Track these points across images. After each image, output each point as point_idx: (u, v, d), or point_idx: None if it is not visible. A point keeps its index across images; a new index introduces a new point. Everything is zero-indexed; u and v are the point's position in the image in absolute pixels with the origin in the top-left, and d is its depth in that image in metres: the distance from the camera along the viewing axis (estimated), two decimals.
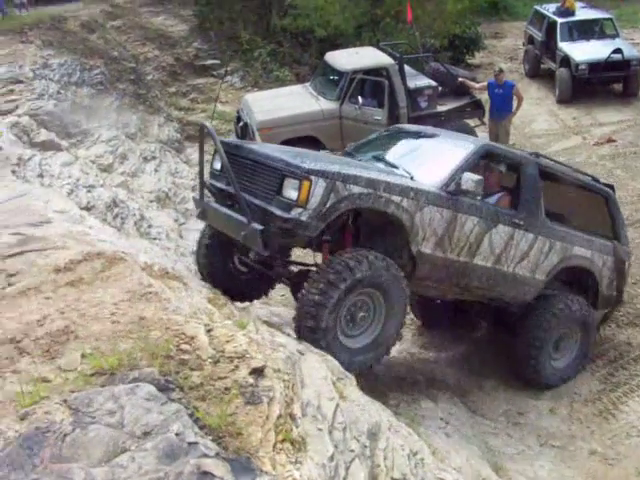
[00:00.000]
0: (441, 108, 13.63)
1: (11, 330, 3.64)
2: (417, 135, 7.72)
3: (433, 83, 13.87)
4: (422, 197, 5.97)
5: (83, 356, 3.38)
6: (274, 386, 3.43)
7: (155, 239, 9.52)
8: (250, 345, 3.70)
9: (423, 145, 7.45)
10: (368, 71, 13.25)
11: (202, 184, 6.25)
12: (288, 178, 5.32)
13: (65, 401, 2.94)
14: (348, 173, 5.47)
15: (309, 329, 5.27)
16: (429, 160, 6.83)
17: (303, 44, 19.00)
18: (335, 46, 16.85)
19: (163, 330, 3.65)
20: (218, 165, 6.23)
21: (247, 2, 19.22)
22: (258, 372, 3.47)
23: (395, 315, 5.75)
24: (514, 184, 7.30)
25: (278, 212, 5.27)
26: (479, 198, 6.52)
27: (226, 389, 3.29)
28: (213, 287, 6.34)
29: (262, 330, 4.59)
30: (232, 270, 6.72)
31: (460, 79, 14.56)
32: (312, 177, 5.20)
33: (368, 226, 6.10)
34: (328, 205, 5.29)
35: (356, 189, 5.44)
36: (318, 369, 4.40)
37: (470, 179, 6.20)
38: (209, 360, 3.45)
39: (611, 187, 8.59)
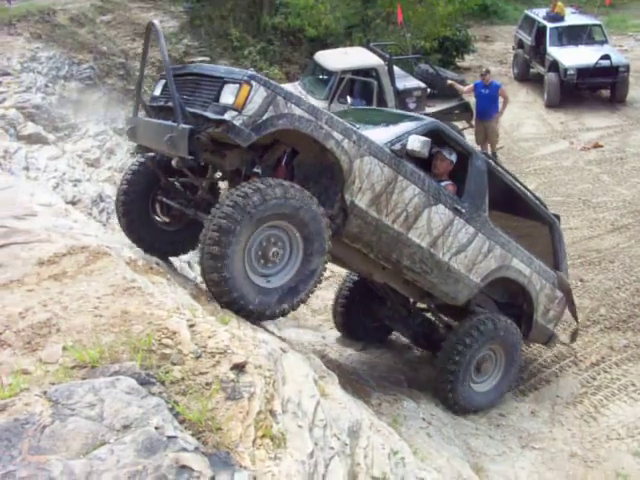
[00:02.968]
0: (429, 109, 13.70)
1: None
2: (373, 110, 7.52)
3: (422, 85, 13.96)
4: (365, 144, 5.70)
5: (64, 349, 3.36)
6: (255, 382, 3.43)
7: None
8: (232, 341, 3.70)
9: (376, 114, 7.42)
10: (357, 71, 13.30)
11: (139, 97, 5.85)
12: (228, 84, 5.05)
13: (45, 393, 2.92)
14: (292, 93, 5.26)
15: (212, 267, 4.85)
16: (379, 124, 6.71)
17: (293, 43, 19.03)
18: (325, 46, 16.92)
19: (145, 324, 3.64)
20: (158, 91, 5.89)
21: (238, 0, 19.22)
22: (239, 368, 3.47)
23: (314, 254, 5.28)
24: (461, 174, 6.88)
25: (211, 115, 4.97)
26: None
27: (207, 384, 3.29)
28: (131, 236, 6.05)
29: (245, 326, 4.59)
30: (154, 219, 6.20)
31: (449, 81, 14.64)
32: (253, 82, 4.97)
33: (303, 169, 5.78)
34: (265, 117, 4.99)
35: (297, 111, 5.17)
36: (300, 367, 4.41)
37: (417, 139, 5.97)
38: (191, 355, 3.45)
39: (557, 217, 8.23)
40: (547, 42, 18.32)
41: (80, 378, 3.12)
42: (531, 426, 7.32)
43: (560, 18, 19.07)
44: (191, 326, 3.74)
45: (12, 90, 11.31)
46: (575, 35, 18.62)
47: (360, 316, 8.37)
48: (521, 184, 7.71)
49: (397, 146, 6.03)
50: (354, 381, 6.85)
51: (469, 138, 14.21)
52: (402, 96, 13.36)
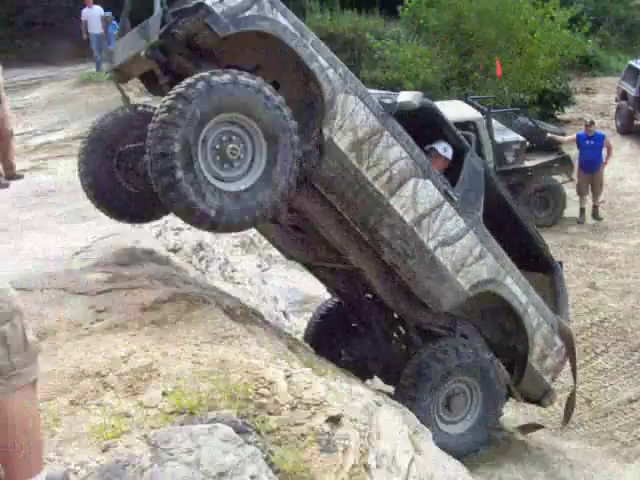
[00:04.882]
0: (529, 163, 13.51)
1: (97, 364, 3.75)
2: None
3: (521, 138, 13.78)
4: (351, 82, 5.32)
5: (164, 394, 3.44)
6: (350, 435, 3.41)
7: (238, 283, 9.66)
8: (328, 393, 3.70)
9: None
10: (455, 124, 13.22)
11: (124, 19, 5.70)
12: None
13: (145, 436, 3.00)
14: (280, 2, 4.98)
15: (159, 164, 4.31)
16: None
17: None
18: None
19: (243, 373, 3.69)
20: None
21: (337, 54, 19.57)
22: (334, 420, 3.46)
23: (280, 154, 4.72)
24: (455, 171, 6.29)
25: (190, 3, 4.74)
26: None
27: (302, 435, 3.29)
28: (102, 209, 5.83)
29: (340, 379, 4.58)
30: (118, 179, 5.79)
31: (548, 134, 14.42)
32: None
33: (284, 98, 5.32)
34: (247, 14, 4.72)
35: (283, 20, 4.91)
36: (394, 421, 4.35)
37: (407, 93, 5.65)
38: (287, 405, 3.47)
39: (560, 264, 7.54)
40: None
41: (179, 423, 3.19)
42: None
43: None
44: (288, 376, 3.76)
45: None
46: None
47: (334, 347, 7.29)
48: (525, 220, 7.03)
49: (387, 100, 5.61)
50: None
51: (570, 192, 13.93)
52: (500, 149, 13.22)
